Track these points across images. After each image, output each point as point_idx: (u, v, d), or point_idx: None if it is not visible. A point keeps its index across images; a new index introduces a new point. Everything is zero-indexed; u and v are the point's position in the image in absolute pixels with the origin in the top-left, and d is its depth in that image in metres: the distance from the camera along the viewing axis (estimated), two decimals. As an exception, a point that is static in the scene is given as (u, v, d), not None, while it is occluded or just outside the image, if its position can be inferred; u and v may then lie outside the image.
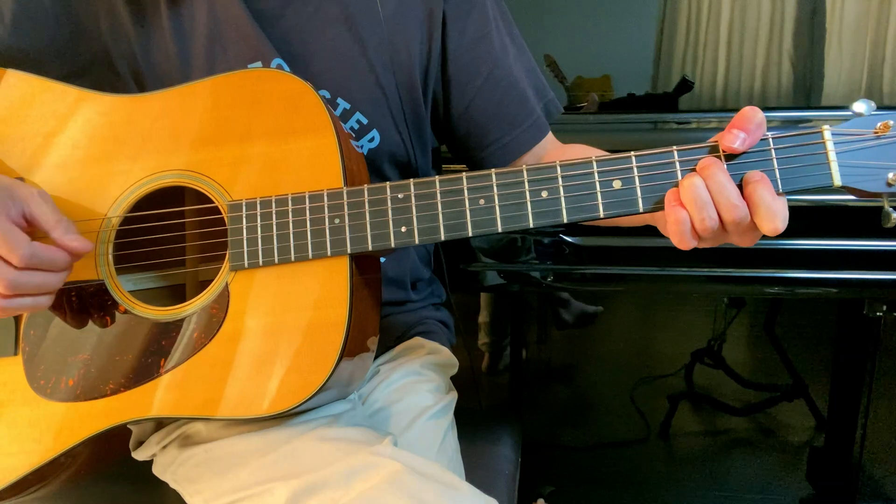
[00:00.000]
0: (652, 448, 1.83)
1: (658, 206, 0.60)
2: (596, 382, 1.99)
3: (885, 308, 1.12)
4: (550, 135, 0.89)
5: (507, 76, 0.85)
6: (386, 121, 0.83)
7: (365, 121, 0.82)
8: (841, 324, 1.41)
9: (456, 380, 0.96)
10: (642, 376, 1.93)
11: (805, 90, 1.22)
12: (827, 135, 0.58)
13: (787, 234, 1.07)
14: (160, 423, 0.79)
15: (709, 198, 0.57)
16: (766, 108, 1.25)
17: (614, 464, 1.78)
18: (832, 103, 1.21)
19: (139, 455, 0.81)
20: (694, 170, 0.59)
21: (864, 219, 1.03)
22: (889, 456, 1.58)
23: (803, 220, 1.05)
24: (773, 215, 0.56)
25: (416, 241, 0.64)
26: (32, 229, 0.63)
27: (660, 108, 1.24)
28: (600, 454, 1.81)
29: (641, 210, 0.60)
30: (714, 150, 0.59)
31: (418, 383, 0.87)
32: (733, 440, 1.85)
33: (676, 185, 0.59)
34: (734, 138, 0.57)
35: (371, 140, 0.83)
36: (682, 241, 0.59)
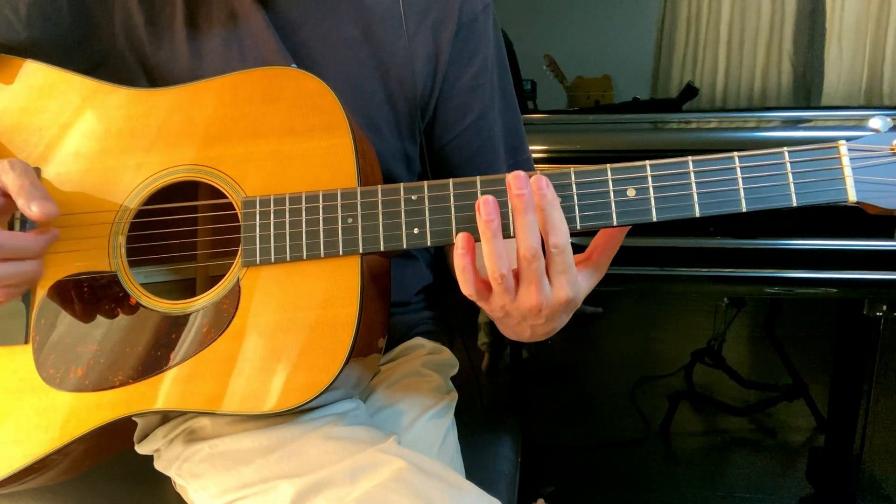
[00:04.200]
0: (652, 448, 1.83)
1: (672, 216, 0.60)
2: (596, 382, 1.99)
3: (885, 308, 1.12)
4: None
5: (488, 129, 0.87)
6: (383, 145, 0.84)
7: None
8: (841, 324, 1.42)
9: (456, 380, 0.96)
10: (642, 376, 1.94)
11: (805, 90, 1.23)
12: (843, 150, 0.57)
13: (787, 234, 1.08)
14: (166, 417, 0.79)
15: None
16: (766, 109, 1.26)
17: (614, 464, 1.78)
18: (832, 103, 1.21)
19: (143, 448, 0.81)
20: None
21: (864, 219, 1.03)
22: (889, 456, 1.58)
23: (803, 220, 1.05)
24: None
25: (429, 243, 0.64)
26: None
27: (662, 108, 1.25)
28: (600, 454, 1.81)
29: (655, 219, 0.60)
30: (730, 160, 0.59)
31: (419, 383, 0.87)
32: (733, 440, 1.85)
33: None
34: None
35: None
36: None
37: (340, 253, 0.65)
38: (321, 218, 0.65)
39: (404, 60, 0.82)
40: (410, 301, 0.94)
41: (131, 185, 0.70)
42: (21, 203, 0.62)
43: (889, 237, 1.03)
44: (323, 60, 0.81)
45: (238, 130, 0.69)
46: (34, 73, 0.73)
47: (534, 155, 1.11)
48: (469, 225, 0.63)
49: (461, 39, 0.84)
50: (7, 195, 0.63)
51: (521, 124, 0.92)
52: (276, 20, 0.79)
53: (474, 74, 0.85)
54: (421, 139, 0.88)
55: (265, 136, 0.68)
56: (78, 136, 0.71)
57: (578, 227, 0.61)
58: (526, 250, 0.57)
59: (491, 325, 2.14)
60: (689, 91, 1.23)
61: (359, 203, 0.65)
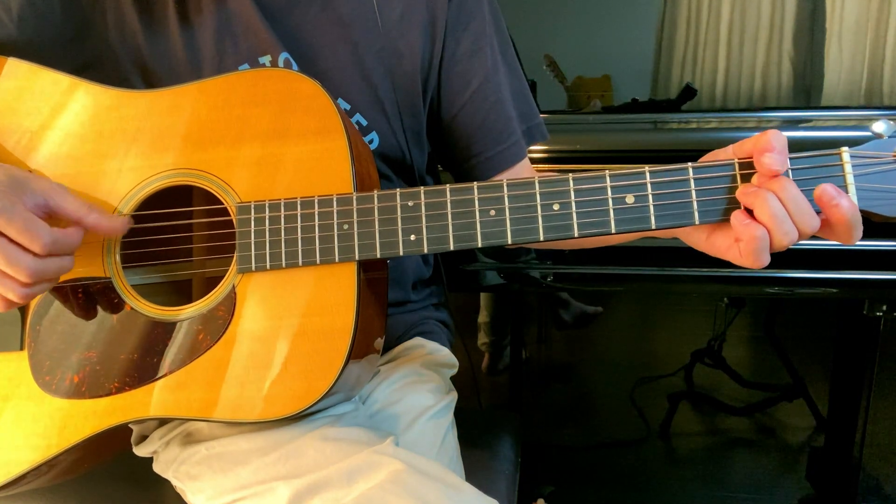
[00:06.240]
0: (652, 448, 1.83)
1: (670, 224, 0.59)
2: (596, 382, 1.99)
3: (885, 308, 1.12)
4: (527, 161, 0.90)
5: (494, 93, 0.85)
6: (385, 125, 0.83)
7: (364, 122, 0.82)
8: (841, 324, 1.41)
9: (456, 380, 0.96)
10: (642, 376, 1.93)
11: (805, 90, 1.22)
12: (846, 157, 0.57)
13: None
14: (163, 420, 0.79)
15: (785, 212, 0.56)
16: (766, 109, 1.26)
17: (614, 464, 1.78)
18: (832, 103, 1.21)
19: (141, 451, 0.81)
20: (737, 179, 0.58)
21: (863, 219, 1.03)
22: (889, 456, 1.58)
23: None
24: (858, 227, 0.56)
25: (425, 250, 0.63)
26: (51, 221, 0.63)
27: (661, 109, 1.24)
28: (600, 454, 1.81)
29: (654, 227, 0.59)
30: (730, 167, 0.58)
31: (418, 383, 0.87)
32: (733, 440, 1.85)
33: (731, 200, 0.58)
34: (776, 162, 0.56)
35: (370, 142, 0.83)
36: (759, 258, 0.58)
37: (336, 260, 0.64)
38: (317, 224, 0.65)
39: (399, 33, 0.82)
40: (409, 300, 0.94)
41: (124, 189, 0.69)
42: (93, 219, 0.65)
43: (889, 237, 1.03)
44: (315, 43, 0.80)
45: (231, 133, 0.68)
46: (23, 74, 0.72)
47: (534, 155, 1.11)
48: (467, 231, 0.62)
49: (456, 4, 0.84)
50: (55, 215, 0.64)
51: (528, 89, 0.91)
52: (265, 7, 0.79)
53: (473, 39, 0.84)
54: (426, 113, 0.87)
55: (258, 139, 0.68)
56: (68, 138, 0.71)
57: (576, 235, 0.60)
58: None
59: (491, 325, 2.14)
60: (688, 92, 1.22)
61: (355, 209, 0.64)
